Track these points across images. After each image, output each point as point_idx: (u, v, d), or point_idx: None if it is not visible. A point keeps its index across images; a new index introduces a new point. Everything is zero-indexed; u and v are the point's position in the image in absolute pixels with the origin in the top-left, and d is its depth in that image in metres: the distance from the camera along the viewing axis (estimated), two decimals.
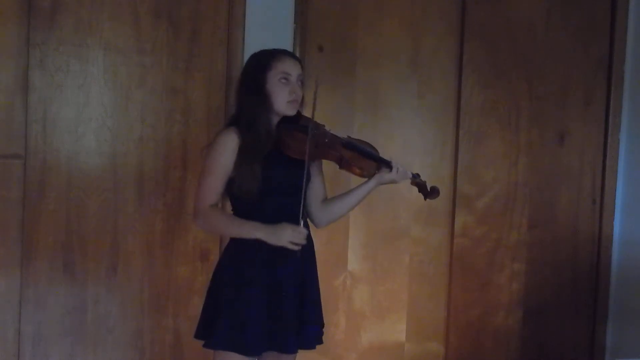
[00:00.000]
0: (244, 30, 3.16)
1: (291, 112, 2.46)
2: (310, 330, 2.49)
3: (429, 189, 2.62)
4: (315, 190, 2.59)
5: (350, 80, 3.36)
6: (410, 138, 3.44)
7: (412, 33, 3.41)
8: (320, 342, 2.55)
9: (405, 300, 3.46)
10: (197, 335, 2.50)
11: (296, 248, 2.37)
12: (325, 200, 2.62)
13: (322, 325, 2.58)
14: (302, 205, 2.38)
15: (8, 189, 2.98)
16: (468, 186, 3.50)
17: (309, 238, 2.50)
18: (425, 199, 2.65)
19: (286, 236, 2.35)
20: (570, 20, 3.57)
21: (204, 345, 2.44)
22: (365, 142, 2.63)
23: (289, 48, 3.22)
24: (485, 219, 3.53)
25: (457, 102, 3.47)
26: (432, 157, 3.48)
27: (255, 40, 3.01)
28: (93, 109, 3.06)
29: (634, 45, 3.57)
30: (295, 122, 2.49)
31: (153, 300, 3.15)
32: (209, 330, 2.44)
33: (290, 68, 2.45)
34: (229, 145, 2.39)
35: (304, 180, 2.40)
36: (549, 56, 3.55)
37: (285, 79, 2.43)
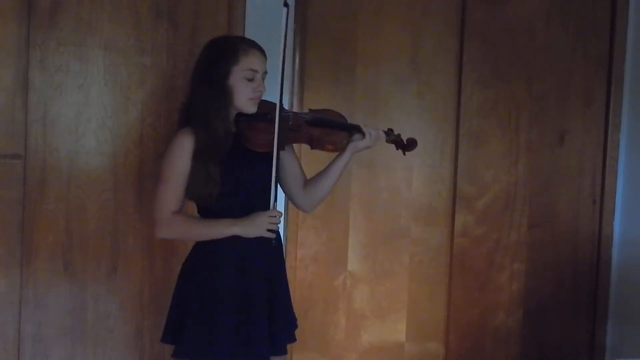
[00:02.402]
0: (244, 30, 3.16)
1: (251, 109, 2.35)
2: (282, 336, 2.42)
3: (405, 142, 2.52)
4: (293, 177, 2.51)
5: (350, 80, 3.36)
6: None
7: (412, 33, 3.42)
8: (293, 339, 2.49)
9: (405, 300, 3.46)
10: (165, 339, 2.41)
11: (273, 235, 2.30)
12: (306, 182, 2.52)
13: (295, 323, 2.52)
14: (272, 187, 2.28)
15: (8, 189, 2.98)
16: (468, 186, 3.50)
17: (279, 237, 2.41)
18: (404, 153, 2.56)
19: (264, 224, 2.28)
20: (570, 20, 3.57)
21: (173, 355, 2.35)
22: (329, 110, 2.52)
23: (289, 48, 3.22)
24: (485, 219, 3.53)
25: (457, 102, 3.47)
26: (432, 157, 3.48)
27: (255, 39, 3.00)
28: (93, 109, 3.05)
29: (634, 45, 3.57)
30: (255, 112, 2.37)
31: (153, 300, 3.15)
32: (177, 337, 2.35)
33: (258, 64, 2.33)
34: (184, 148, 2.28)
35: (274, 164, 2.28)
36: (549, 56, 3.55)
37: (252, 77, 2.32)
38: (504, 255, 3.56)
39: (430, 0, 3.43)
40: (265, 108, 2.39)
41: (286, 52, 2.34)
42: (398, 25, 3.41)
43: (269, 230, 2.30)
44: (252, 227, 2.29)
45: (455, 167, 3.48)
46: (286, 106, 3.18)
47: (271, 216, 2.29)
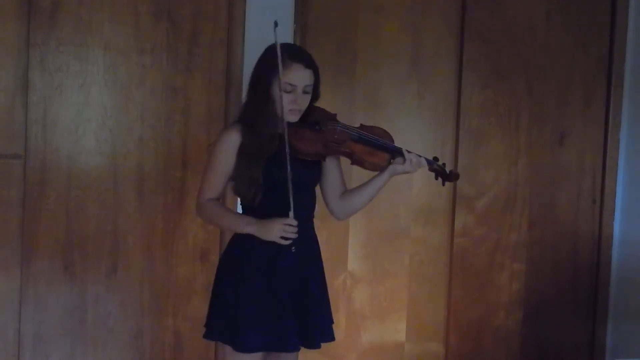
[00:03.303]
0: (244, 30, 3.16)
1: (292, 119, 2.37)
2: (314, 330, 2.45)
3: (448, 173, 2.54)
4: (332, 186, 2.54)
5: (350, 80, 3.36)
6: (410, 138, 3.42)
7: (412, 33, 3.41)
8: (331, 339, 2.53)
9: (405, 300, 3.46)
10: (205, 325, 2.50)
11: (286, 242, 2.30)
12: (344, 192, 2.56)
13: (331, 322, 2.56)
14: (290, 197, 2.29)
15: (8, 189, 2.99)
16: (468, 186, 3.50)
17: (312, 236, 2.48)
18: (443, 183, 2.57)
19: (275, 230, 2.29)
20: (570, 20, 3.57)
21: (203, 336, 2.46)
22: (379, 128, 2.53)
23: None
24: (485, 219, 3.53)
25: (457, 102, 3.47)
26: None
27: (255, 40, 3.01)
28: (93, 109, 3.06)
29: (634, 45, 3.57)
30: (305, 117, 2.42)
31: (153, 300, 3.16)
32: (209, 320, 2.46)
33: (297, 79, 2.33)
34: (230, 144, 2.35)
35: (288, 170, 2.28)
36: (549, 56, 3.55)
37: (290, 90, 2.33)
38: (504, 255, 3.56)
39: (430, 0, 3.43)
40: (319, 115, 2.44)
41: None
42: (398, 25, 3.40)
43: (282, 237, 2.31)
44: (265, 232, 2.32)
45: (455, 167, 3.48)
46: None
47: (285, 224, 2.30)
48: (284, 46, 2.37)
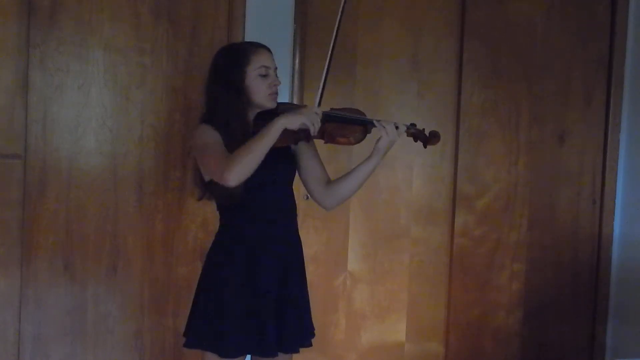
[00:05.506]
0: (244, 30, 3.16)
1: (272, 104, 2.41)
2: (292, 334, 2.42)
3: (427, 135, 2.51)
4: (312, 176, 2.51)
5: (350, 80, 3.36)
6: (410, 138, 3.43)
7: (412, 33, 3.42)
8: (308, 344, 2.49)
9: (405, 300, 3.46)
10: (184, 334, 2.47)
11: (313, 128, 2.28)
12: (329, 182, 2.53)
13: (312, 330, 2.52)
14: (321, 89, 2.36)
15: (8, 189, 2.99)
16: (468, 186, 3.50)
17: (296, 240, 2.48)
18: (425, 146, 2.54)
19: (310, 114, 2.26)
20: (570, 20, 3.57)
21: (183, 345, 2.42)
22: (350, 108, 2.54)
23: (290, 48, 3.23)
24: (485, 219, 3.53)
25: (457, 102, 3.47)
26: (432, 157, 3.47)
27: (255, 40, 3.00)
28: (93, 109, 3.06)
29: (634, 45, 3.57)
30: (272, 111, 2.42)
31: (153, 300, 3.15)
32: (189, 329, 2.44)
33: (268, 61, 2.41)
34: (210, 129, 2.33)
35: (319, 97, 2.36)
36: (549, 56, 3.55)
37: (266, 73, 2.38)
38: (504, 255, 3.56)
39: (430, 0, 3.42)
40: (285, 108, 2.45)
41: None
42: (398, 24, 3.41)
43: (311, 122, 2.28)
44: (297, 115, 2.26)
45: (455, 167, 3.48)
46: None
47: (316, 112, 2.30)
48: (239, 42, 2.50)
